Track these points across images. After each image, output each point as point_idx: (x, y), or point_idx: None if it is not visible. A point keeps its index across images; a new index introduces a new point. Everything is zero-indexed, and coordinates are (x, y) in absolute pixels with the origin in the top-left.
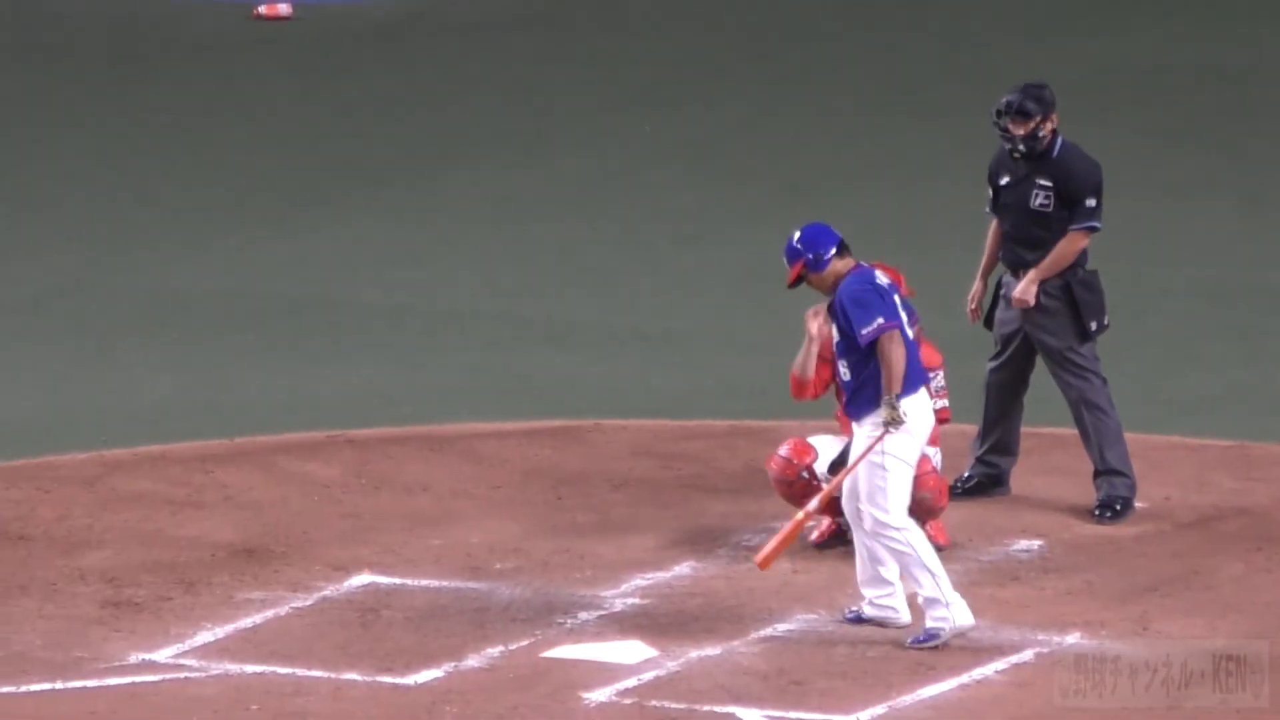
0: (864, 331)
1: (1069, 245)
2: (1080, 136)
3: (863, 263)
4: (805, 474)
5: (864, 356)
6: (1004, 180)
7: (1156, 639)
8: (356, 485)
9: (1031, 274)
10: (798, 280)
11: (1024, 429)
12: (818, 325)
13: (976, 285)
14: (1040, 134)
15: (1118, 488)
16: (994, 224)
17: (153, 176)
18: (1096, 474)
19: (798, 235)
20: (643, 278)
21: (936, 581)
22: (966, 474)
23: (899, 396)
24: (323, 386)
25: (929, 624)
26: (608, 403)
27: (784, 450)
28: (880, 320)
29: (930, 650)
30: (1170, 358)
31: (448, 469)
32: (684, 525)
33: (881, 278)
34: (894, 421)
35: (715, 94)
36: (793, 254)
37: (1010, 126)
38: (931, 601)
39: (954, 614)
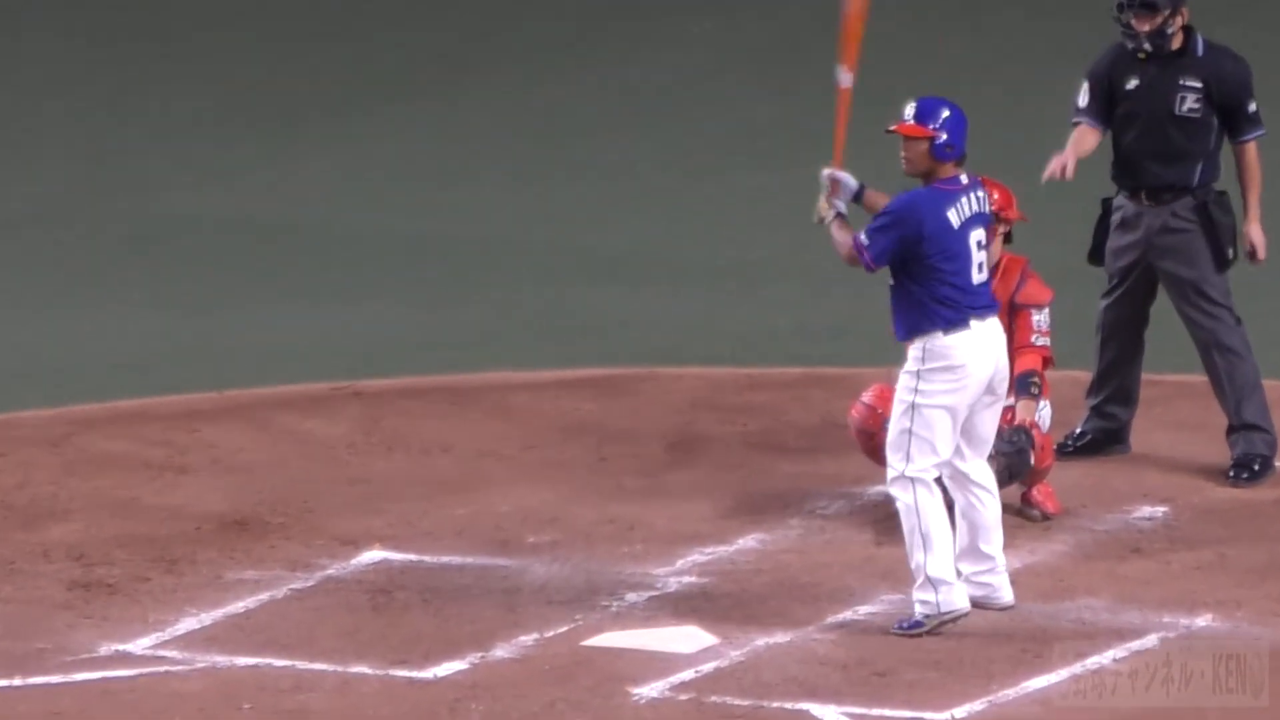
0: (860, 235)
1: (1255, 162)
2: (1212, 36)
3: (967, 177)
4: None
5: (897, 270)
6: (1131, 84)
7: None
8: (366, 445)
9: (1251, 216)
10: (906, 136)
11: (1145, 375)
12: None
13: (1069, 153)
14: (1169, 30)
15: (1255, 444)
16: (1077, 131)
17: (132, 88)
18: (1230, 429)
19: (949, 112)
20: (704, 203)
21: (930, 557)
22: (1079, 429)
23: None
24: (327, 330)
25: (915, 605)
26: (662, 347)
27: (867, 397)
28: (865, 240)
29: (916, 635)
30: None
31: (473, 426)
32: (749, 490)
33: (955, 216)
34: (823, 209)
35: None
36: (928, 117)
37: (1134, 22)
38: (922, 578)
39: (944, 597)
